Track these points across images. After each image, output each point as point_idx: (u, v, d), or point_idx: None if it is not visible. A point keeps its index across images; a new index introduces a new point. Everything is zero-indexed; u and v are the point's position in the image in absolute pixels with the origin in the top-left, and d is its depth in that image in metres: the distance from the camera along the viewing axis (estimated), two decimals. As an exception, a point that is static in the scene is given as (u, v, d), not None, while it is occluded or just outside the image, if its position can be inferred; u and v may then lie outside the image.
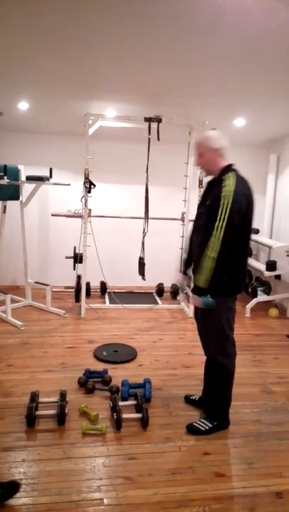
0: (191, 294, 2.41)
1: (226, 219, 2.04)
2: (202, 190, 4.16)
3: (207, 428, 2.38)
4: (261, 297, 4.68)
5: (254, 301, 4.59)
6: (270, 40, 2.41)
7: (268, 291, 4.78)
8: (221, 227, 2.05)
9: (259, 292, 4.73)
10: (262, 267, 4.68)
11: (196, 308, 2.44)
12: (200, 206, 2.36)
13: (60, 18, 2.29)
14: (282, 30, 2.26)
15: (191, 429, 2.39)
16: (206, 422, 2.41)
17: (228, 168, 2.19)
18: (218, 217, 2.05)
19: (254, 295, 4.67)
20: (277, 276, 4.70)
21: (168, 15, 2.20)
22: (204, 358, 3.35)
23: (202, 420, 2.43)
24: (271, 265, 4.51)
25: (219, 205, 2.06)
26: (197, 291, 2.21)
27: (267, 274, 4.55)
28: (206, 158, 2.24)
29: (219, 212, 2.05)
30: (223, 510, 1.83)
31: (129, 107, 3.99)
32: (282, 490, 1.96)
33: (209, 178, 2.33)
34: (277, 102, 3.66)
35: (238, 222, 2.09)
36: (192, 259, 2.39)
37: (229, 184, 2.09)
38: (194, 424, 2.42)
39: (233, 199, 2.05)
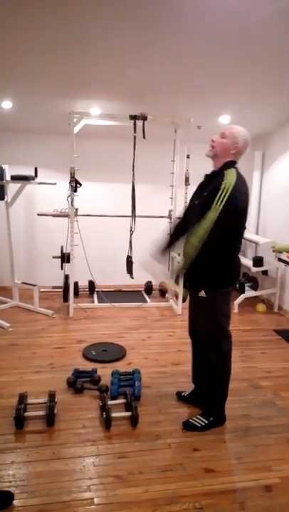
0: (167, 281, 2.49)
1: (219, 211, 2.02)
2: (188, 187, 4.22)
3: (203, 424, 2.40)
4: (249, 293, 4.72)
5: (242, 296, 4.62)
6: (252, 36, 2.42)
7: (255, 286, 4.82)
8: (212, 218, 2.03)
9: (247, 288, 4.76)
10: (249, 262, 4.71)
11: (191, 305, 2.48)
12: (195, 197, 2.33)
13: (46, 18, 2.27)
14: (262, 24, 2.28)
15: (188, 426, 2.40)
16: (202, 419, 2.42)
17: (232, 164, 2.18)
18: (212, 208, 2.03)
19: (242, 291, 4.71)
20: (264, 272, 4.74)
21: (151, 15, 2.20)
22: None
23: (198, 417, 2.44)
24: (258, 261, 4.55)
25: (216, 197, 2.04)
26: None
27: (254, 269, 4.59)
28: (225, 143, 2.17)
29: (214, 204, 2.03)
30: (214, 505, 1.84)
31: (114, 105, 3.98)
32: (272, 483, 1.98)
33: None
34: (260, 97, 3.69)
35: (232, 217, 2.09)
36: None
37: (230, 179, 2.08)
38: (190, 420, 2.43)
39: (231, 194, 2.03)
